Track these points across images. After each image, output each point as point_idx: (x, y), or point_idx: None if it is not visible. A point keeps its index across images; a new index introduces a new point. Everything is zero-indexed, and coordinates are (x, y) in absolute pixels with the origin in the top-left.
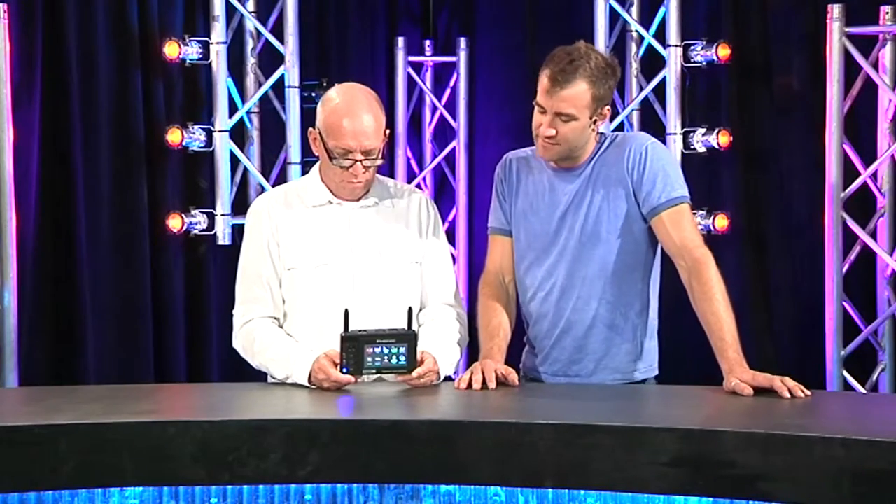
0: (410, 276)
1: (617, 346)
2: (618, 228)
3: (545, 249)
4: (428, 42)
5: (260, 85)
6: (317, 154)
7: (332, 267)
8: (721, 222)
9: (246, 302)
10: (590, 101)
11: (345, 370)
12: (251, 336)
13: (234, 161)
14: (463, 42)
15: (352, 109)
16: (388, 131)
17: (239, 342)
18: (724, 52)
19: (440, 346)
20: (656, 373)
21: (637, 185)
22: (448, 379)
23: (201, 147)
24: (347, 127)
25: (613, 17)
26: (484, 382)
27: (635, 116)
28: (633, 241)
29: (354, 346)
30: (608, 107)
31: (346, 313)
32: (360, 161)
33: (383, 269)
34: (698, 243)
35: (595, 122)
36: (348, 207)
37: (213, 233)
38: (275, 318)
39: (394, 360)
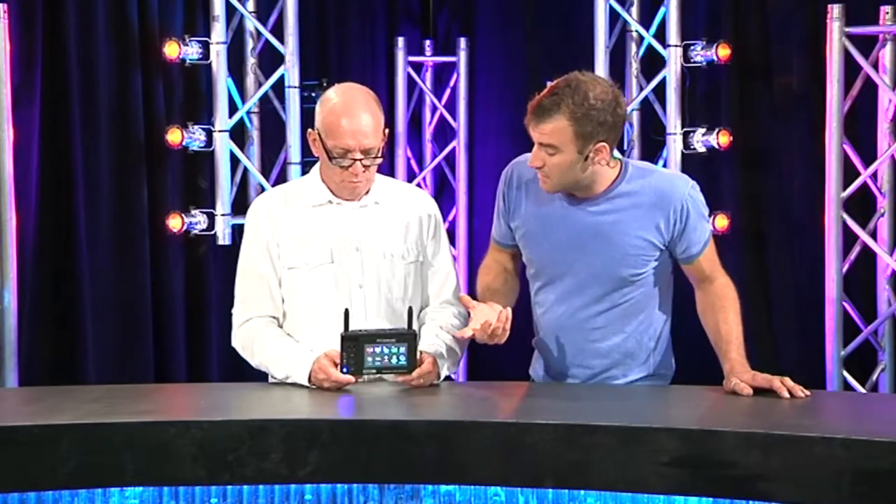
0: (411, 276)
1: (631, 369)
2: (645, 270)
3: (558, 275)
4: (428, 42)
5: (260, 85)
6: (316, 155)
7: (332, 267)
8: (721, 222)
9: (245, 301)
10: (572, 137)
11: (345, 370)
12: (250, 335)
13: (234, 161)
14: (463, 42)
15: (350, 109)
16: (387, 130)
17: (238, 341)
18: (724, 52)
19: (440, 347)
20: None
21: (678, 236)
22: (448, 379)
23: (201, 147)
24: (346, 126)
25: (613, 17)
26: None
27: (635, 116)
28: (656, 279)
29: (355, 346)
30: (604, 144)
31: (347, 313)
32: (360, 160)
33: (383, 269)
34: (723, 272)
35: (588, 157)
36: (348, 207)
37: (213, 233)
38: (274, 318)
39: (394, 360)
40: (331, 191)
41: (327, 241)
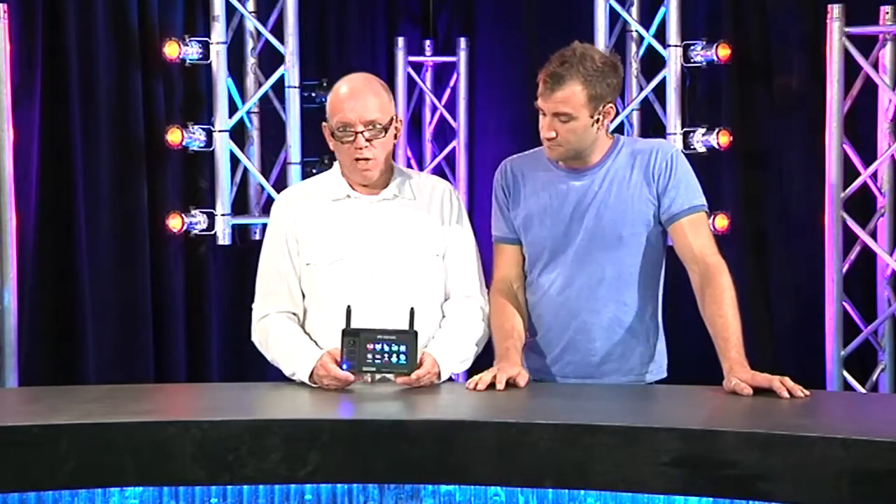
0: (429, 271)
1: (631, 349)
2: (639, 232)
3: (560, 249)
4: (428, 42)
5: (260, 85)
6: (332, 149)
7: (348, 262)
8: (721, 222)
9: (264, 296)
10: (585, 101)
11: (345, 365)
12: (266, 331)
13: (234, 161)
14: (463, 42)
15: (351, 88)
16: (400, 119)
17: (256, 336)
18: (724, 52)
19: (448, 345)
20: (665, 374)
21: (662, 191)
22: (448, 379)
23: (201, 147)
24: (346, 101)
25: (613, 17)
26: (492, 384)
27: (635, 116)
28: (651, 245)
29: (355, 341)
30: (611, 105)
31: (349, 309)
32: (361, 133)
33: (400, 265)
34: (714, 251)
35: (598, 120)
36: (366, 201)
37: (213, 233)
38: (292, 314)
39: (394, 359)
40: (350, 185)
41: (344, 236)
